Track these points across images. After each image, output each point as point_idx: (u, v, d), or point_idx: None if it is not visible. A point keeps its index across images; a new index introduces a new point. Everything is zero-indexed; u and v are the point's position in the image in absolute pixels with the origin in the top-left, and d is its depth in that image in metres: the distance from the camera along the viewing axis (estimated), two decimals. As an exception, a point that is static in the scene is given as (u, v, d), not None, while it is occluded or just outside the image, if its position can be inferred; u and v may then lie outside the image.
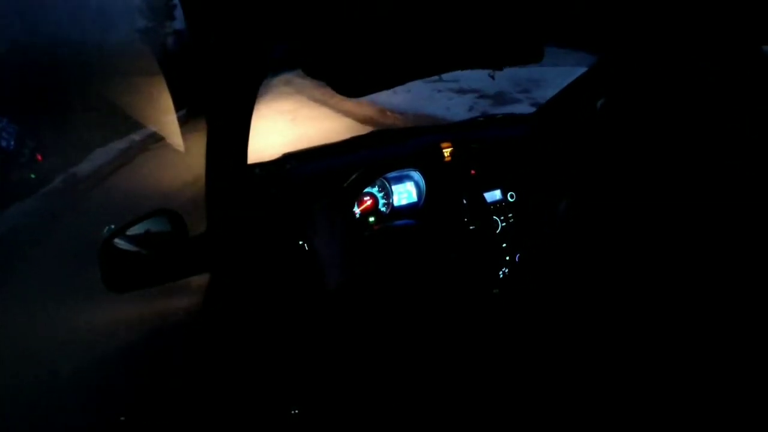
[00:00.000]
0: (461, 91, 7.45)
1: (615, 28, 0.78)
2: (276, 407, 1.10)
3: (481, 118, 1.65)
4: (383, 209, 1.28)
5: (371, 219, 1.23)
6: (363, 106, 7.04)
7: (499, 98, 6.93)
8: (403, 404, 1.05)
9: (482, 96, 7.14)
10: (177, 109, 7.12)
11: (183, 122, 6.89)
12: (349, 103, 7.14)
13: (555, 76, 5.67)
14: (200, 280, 1.10)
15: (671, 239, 0.60)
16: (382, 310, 1.08)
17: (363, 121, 6.79)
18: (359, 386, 1.09)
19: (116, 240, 0.97)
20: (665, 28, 0.69)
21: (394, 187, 1.29)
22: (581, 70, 1.31)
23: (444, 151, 1.30)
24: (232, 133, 0.97)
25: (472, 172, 1.34)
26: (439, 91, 7.51)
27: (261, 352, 1.10)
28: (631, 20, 0.74)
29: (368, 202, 1.26)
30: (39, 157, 6.57)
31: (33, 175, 6.00)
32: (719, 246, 0.58)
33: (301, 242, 1.09)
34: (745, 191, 0.58)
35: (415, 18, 0.75)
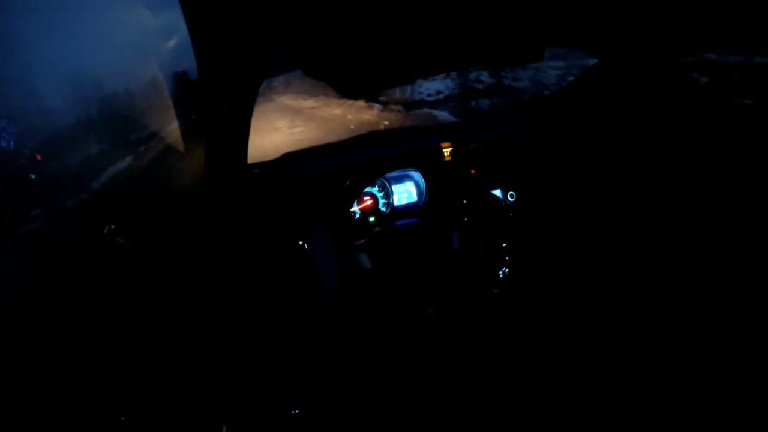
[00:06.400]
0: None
1: (612, 29, 0.78)
2: (276, 407, 1.10)
3: (481, 118, 1.65)
4: (383, 209, 1.28)
5: (371, 219, 1.23)
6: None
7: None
8: (402, 404, 1.05)
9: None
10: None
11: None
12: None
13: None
14: (200, 279, 1.10)
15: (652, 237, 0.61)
16: (383, 311, 1.08)
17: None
18: (358, 386, 1.09)
19: (117, 239, 0.98)
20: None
21: (394, 187, 1.29)
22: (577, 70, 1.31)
23: (444, 150, 1.30)
24: (231, 133, 0.97)
25: (472, 171, 1.34)
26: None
27: (261, 353, 1.10)
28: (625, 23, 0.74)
29: (368, 201, 1.26)
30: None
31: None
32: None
33: (301, 242, 1.09)
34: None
35: (416, 19, 0.75)
